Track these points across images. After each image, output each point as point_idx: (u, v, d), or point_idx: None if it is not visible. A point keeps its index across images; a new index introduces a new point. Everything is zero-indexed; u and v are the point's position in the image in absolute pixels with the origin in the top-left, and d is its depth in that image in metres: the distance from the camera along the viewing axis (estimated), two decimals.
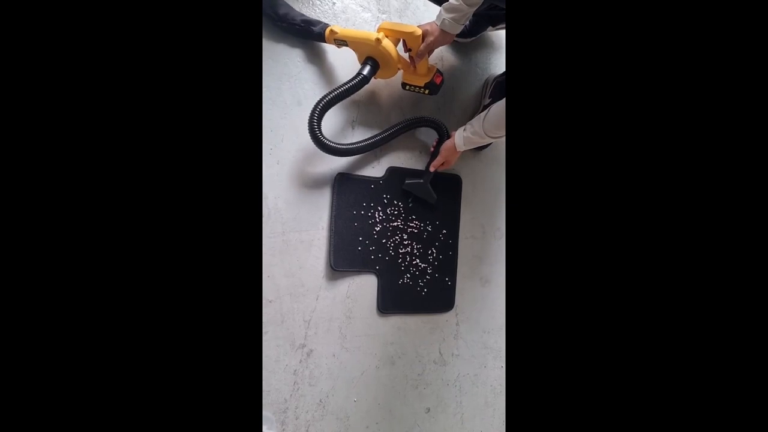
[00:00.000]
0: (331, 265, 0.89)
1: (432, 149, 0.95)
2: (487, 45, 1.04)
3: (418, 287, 0.99)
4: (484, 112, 0.81)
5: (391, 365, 0.97)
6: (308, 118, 0.78)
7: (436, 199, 0.97)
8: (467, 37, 0.98)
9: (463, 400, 1.07)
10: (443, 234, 1.01)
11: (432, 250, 1.00)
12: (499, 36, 1.03)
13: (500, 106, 0.77)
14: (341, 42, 0.80)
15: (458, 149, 0.88)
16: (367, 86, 0.91)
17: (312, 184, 0.88)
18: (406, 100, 0.96)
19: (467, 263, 1.05)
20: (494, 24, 0.95)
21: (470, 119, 1.02)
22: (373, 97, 0.94)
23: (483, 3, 0.74)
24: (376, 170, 0.95)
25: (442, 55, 0.99)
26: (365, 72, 0.80)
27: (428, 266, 0.99)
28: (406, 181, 0.94)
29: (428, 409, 1.03)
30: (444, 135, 0.93)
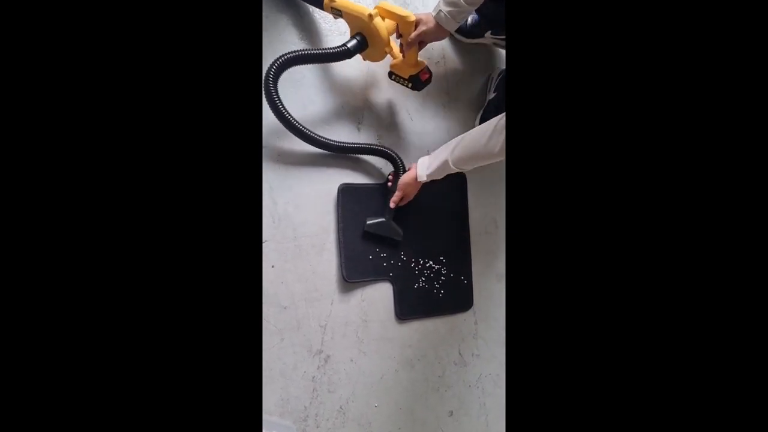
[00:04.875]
0: (344, 278, 0.88)
1: (389, 183, 0.90)
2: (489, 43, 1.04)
3: (434, 289, 0.97)
4: (454, 142, 0.78)
5: (410, 368, 0.96)
6: (267, 68, 0.72)
7: (402, 234, 0.91)
8: (467, 37, 0.97)
9: (486, 401, 1.04)
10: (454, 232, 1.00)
11: (444, 250, 0.98)
12: None
13: (473, 138, 0.74)
14: (337, 12, 0.78)
15: (419, 180, 0.84)
16: (373, 88, 0.92)
17: (320, 187, 0.88)
18: (411, 100, 0.96)
19: (482, 260, 1.03)
20: (492, 27, 0.94)
21: (476, 115, 1.02)
22: (378, 99, 0.94)
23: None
24: (377, 177, 0.94)
25: (444, 53, 0.99)
26: (350, 45, 0.77)
27: (442, 267, 0.98)
28: (367, 223, 0.89)
29: (451, 412, 1.00)
30: (400, 169, 0.88)
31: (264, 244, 0.83)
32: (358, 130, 0.92)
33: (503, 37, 0.94)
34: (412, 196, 0.89)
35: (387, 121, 0.94)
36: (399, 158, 0.89)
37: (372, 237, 0.90)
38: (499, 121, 0.69)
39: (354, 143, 0.87)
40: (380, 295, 0.93)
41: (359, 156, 0.91)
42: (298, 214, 0.86)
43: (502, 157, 0.71)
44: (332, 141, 0.84)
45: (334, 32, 0.90)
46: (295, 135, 0.81)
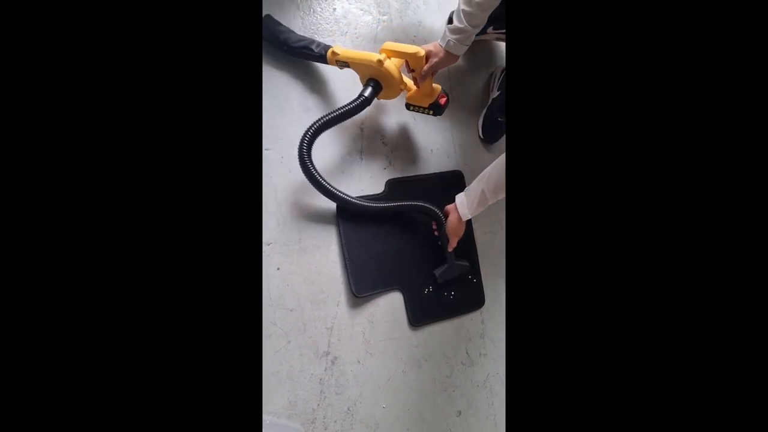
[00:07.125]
0: (353, 293, 0.88)
1: (436, 233, 0.94)
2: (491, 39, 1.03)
3: (444, 292, 0.97)
4: (485, 174, 0.80)
5: (418, 368, 0.95)
6: (299, 140, 0.75)
7: (469, 267, 0.97)
8: None
9: (494, 401, 1.03)
10: None
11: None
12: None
13: (502, 168, 0.76)
14: (343, 63, 0.80)
15: (464, 219, 0.87)
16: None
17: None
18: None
19: (488, 260, 1.02)
20: (494, 22, 0.93)
21: (479, 113, 1.02)
22: (380, 100, 0.93)
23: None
24: (374, 186, 0.93)
25: None
26: (367, 93, 0.79)
27: None
28: (437, 275, 0.94)
29: (459, 413, 1.00)
30: (442, 222, 0.91)
31: (269, 247, 0.83)
32: (361, 131, 0.92)
33: (505, 30, 0.94)
34: (463, 232, 0.91)
35: (390, 121, 0.94)
36: (437, 213, 0.90)
37: (446, 282, 0.96)
38: None
39: (394, 203, 0.88)
40: (388, 297, 0.93)
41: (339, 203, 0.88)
42: (303, 215, 0.86)
43: None
44: (376, 202, 0.86)
45: (339, 78, 0.89)
46: (329, 198, 0.82)
